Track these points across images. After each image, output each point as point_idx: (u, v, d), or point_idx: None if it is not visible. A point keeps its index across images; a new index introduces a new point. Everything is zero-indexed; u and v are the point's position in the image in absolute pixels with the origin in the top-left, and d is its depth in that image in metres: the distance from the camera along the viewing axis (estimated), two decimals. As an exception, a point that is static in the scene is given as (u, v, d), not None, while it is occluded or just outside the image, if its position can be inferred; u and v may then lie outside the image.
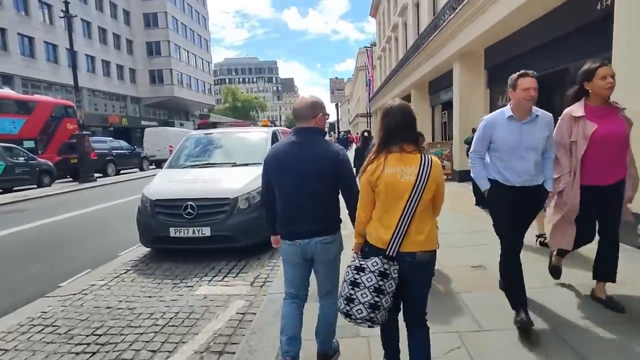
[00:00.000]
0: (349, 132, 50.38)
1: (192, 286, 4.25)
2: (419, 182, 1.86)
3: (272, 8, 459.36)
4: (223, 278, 4.45)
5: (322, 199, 2.24)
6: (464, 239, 5.02)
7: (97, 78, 36.36)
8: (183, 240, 4.97)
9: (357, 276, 1.93)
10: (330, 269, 2.36)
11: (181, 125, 44.07)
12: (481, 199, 6.92)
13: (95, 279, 4.61)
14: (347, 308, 1.93)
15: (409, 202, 1.86)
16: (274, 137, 6.68)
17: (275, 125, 7.99)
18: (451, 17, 9.68)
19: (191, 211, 4.91)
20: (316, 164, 2.19)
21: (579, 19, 6.11)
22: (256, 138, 6.56)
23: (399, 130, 1.95)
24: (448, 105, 13.44)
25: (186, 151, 6.41)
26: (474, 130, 7.44)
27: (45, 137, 19.26)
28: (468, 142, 6.88)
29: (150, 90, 43.50)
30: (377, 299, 1.87)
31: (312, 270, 2.40)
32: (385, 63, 30.70)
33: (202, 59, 53.29)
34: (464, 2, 8.64)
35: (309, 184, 2.20)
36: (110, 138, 23.05)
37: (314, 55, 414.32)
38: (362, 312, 1.89)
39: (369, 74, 39.41)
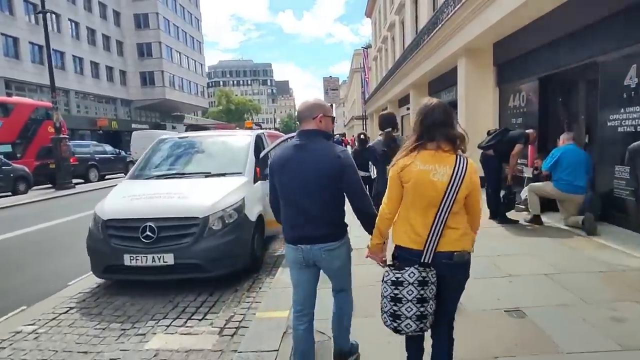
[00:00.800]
0: (344, 135, 49.51)
1: (144, 334, 3.30)
2: (453, 184, 1.78)
3: (267, 11, 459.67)
4: (186, 321, 3.50)
5: (325, 203, 2.14)
6: (485, 266, 4.08)
7: (86, 80, 35.27)
8: (141, 270, 4.02)
9: (396, 291, 1.83)
10: (340, 273, 2.32)
11: (173, 128, 42.90)
12: (497, 212, 6.02)
13: (25, 321, 3.64)
14: (395, 324, 1.86)
15: (443, 203, 1.79)
16: (258, 142, 5.77)
17: (261, 128, 7.00)
18: (457, 7, 8.81)
19: (150, 234, 3.96)
20: (317, 167, 2.11)
21: (612, 3, 5.24)
22: (237, 143, 5.61)
23: (437, 127, 1.85)
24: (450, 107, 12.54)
25: (153, 158, 5.46)
26: (489, 133, 6.55)
27: (24, 140, 18.14)
28: (482, 147, 5.98)
29: (141, 92, 42.47)
30: (422, 309, 1.81)
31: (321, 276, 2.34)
32: (381, 64, 29.91)
33: (195, 61, 52.28)
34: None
35: (310, 187, 2.12)
36: (94, 142, 21.95)
37: (309, 58, 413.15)
38: (411, 326, 1.82)
39: (365, 75, 38.61)
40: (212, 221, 4.11)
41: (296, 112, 2.37)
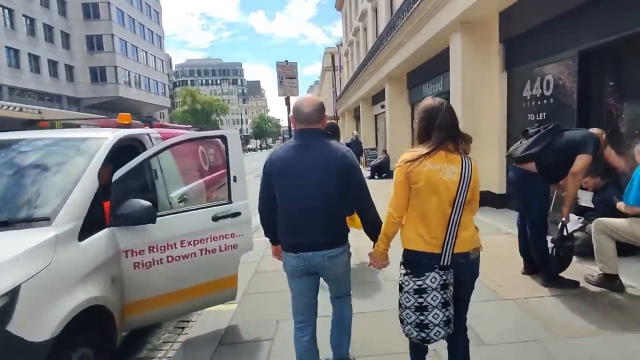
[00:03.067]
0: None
1: None
2: (464, 181, 1.78)
3: (238, 11, 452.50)
4: None
5: (329, 207, 2.01)
6: None
7: (23, 74, 31.26)
8: None
9: (420, 300, 1.77)
10: (342, 279, 2.23)
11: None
12: (545, 267, 3.61)
13: None
14: (423, 335, 1.79)
15: (456, 203, 1.77)
16: (127, 152, 3.13)
17: (151, 125, 4.19)
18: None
19: None
20: (322, 168, 1.97)
21: None
22: (68, 156, 2.91)
23: (449, 129, 1.82)
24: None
25: None
26: (527, 134, 4.02)
27: None
28: (517, 157, 3.53)
29: (91, 89, 38.60)
30: (447, 312, 1.78)
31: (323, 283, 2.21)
32: (353, 59, 27.62)
33: (155, 57, 48.50)
34: None
35: (314, 190, 1.97)
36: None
37: (281, 59, 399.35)
38: (440, 333, 1.78)
39: (339, 72, 36.24)
40: None
41: (295, 111, 2.04)
